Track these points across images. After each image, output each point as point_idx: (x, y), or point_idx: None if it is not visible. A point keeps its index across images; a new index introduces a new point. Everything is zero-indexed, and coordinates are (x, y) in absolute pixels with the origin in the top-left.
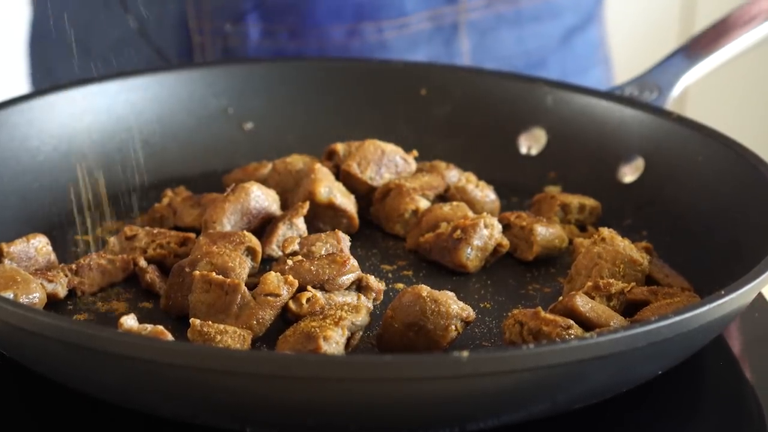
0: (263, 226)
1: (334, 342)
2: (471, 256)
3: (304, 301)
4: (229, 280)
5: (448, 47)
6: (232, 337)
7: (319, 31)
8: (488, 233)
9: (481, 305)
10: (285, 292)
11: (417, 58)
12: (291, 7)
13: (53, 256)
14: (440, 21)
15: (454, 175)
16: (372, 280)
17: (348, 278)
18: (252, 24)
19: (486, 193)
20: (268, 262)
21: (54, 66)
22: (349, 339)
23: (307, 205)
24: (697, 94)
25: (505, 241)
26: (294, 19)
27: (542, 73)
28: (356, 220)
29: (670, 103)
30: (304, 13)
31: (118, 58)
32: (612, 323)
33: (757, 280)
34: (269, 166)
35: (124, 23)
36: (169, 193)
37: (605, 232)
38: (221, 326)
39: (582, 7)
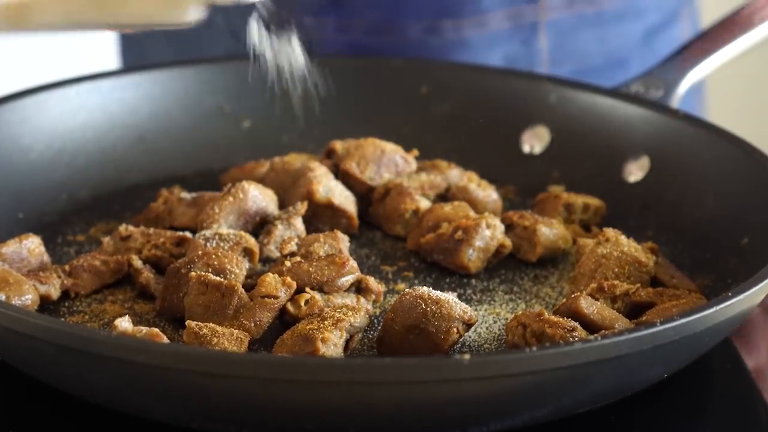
0: (261, 226)
1: (332, 344)
2: (473, 257)
3: (302, 303)
4: (225, 281)
5: (527, 47)
6: (229, 339)
7: (396, 27)
8: (490, 234)
9: (483, 307)
10: (283, 294)
11: (495, 58)
12: (369, 3)
13: (46, 257)
14: (519, 20)
15: (455, 174)
16: (372, 281)
17: (347, 280)
18: (329, 18)
19: (488, 193)
20: (265, 263)
21: (145, 47)
22: (348, 341)
23: (305, 205)
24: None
25: (508, 242)
26: (371, 14)
27: (623, 73)
28: (355, 220)
29: (676, 100)
30: (382, 8)
31: (199, 44)
32: (617, 325)
33: (765, 281)
34: (267, 164)
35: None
36: (164, 192)
37: (610, 232)
38: (218, 328)
39: (665, 6)
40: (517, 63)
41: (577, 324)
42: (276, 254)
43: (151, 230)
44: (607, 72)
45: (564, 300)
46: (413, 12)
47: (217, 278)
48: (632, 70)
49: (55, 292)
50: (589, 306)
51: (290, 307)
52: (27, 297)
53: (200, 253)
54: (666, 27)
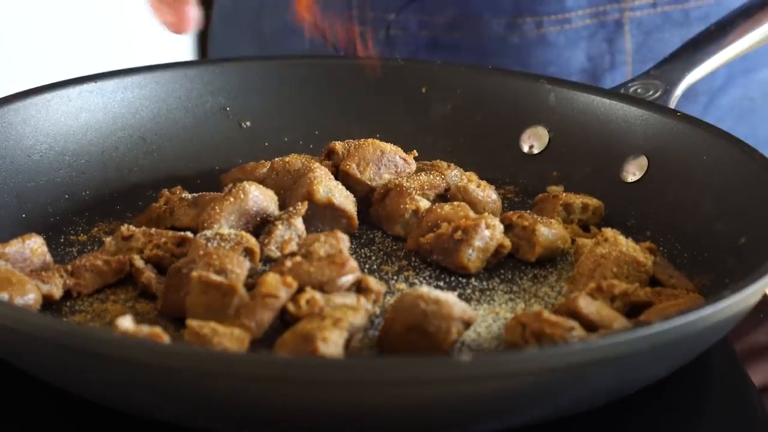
0: (261, 226)
1: (332, 344)
2: (472, 257)
3: (303, 302)
4: (226, 281)
5: (610, 45)
6: (230, 339)
7: (476, 24)
8: (490, 234)
9: (483, 307)
10: (284, 294)
11: (577, 56)
12: None
13: (49, 257)
14: (603, 18)
15: (455, 174)
16: (372, 281)
17: (347, 279)
18: (411, 15)
19: (487, 193)
20: (266, 263)
21: (232, 48)
22: (348, 341)
23: (305, 205)
24: None
25: (507, 242)
26: (452, 11)
27: (708, 75)
28: (355, 221)
29: (674, 101)
30: (462, 4)
31: (286, 43)
32: (615, 325)
33: (763, 281)
34: (267, 165)
35: (292, 8)
36: (165, 192)
37: (608, 232)
38: (218, 328)
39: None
40: (600, 62)
41: (576, 323)
42: (276, 254)
43: (153, 230)
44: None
45: (563, 300)
46: (493, 8)
47: (218, 278)
48: (717, 72)
49: (57, 292)
50: (588, 306)
51: (291, 307)
52: (30, 296)
53: (201, 253)
54: None
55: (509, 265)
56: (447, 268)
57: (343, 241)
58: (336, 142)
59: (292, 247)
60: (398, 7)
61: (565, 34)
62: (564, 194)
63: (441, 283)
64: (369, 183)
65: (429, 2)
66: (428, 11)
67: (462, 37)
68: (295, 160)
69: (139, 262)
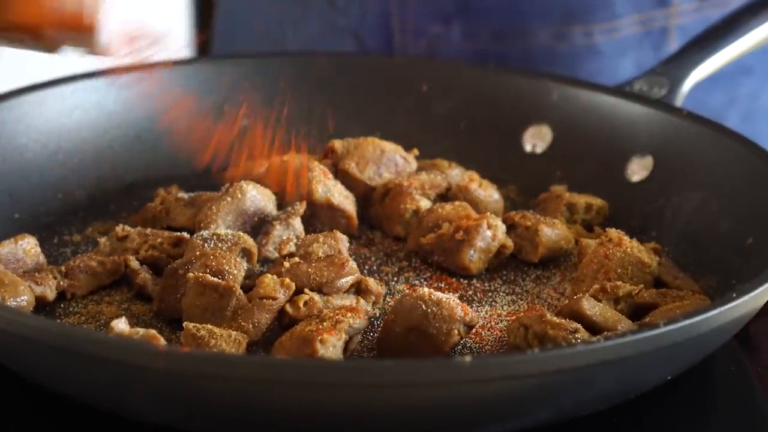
0: (259, 226)
1: (331, 346)
2: (474, 257)
3: (301, 304)
4: (223, 282)
5: (657, 52)
6: (227, 341)
7: (524, 33)
8: (492, 234)
9: (485, 308)
10: (282, 295)
11: (626, 65)
12: (496, 9)
13: (42, 258)
14: (650, 25)
15: (456, 173)
16: (372, 282)
17: (347, 281)
18: (455, 25)
19: (489, 193)
20: (264, 264)
21: (237, 41)
22: (347, 343)
23: (304, 205)
24: None
25: (509, 243)
26: (498, 21)
27: (749, 79)
28: (355, 221)
29: (680, 99)
30: (510, 14)
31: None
32: (619, 327)
33: None
34: (265, 164)
35: (327, 18)
36: (161, 192)
37: (613, 232)
38: (215, 330)
39: None
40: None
41: (579, 325)
42: (275, 255)
43: (149, 230)
44: (735, 78)
45: (566, 301)
46: (541, 18)
47: (215, 279)
48: (756, 76)
49: (51, 293)
50: (591, 307)
51: (289, 309)
52: (22, 298)
53: (198, 253)
54: None
55: (511, 265)
56: (448, 269)
57: (343, 241)
58: (335, 140)
59: (291, 247)
60: (444, 18)
61: (614, 42)
62: (567, 194)
63: (442, 285)
64: (368, 182)
65: (474, 13)
66: (473, 23)
67: (508, 49)
68: (294, 159)
69: (134, 263)
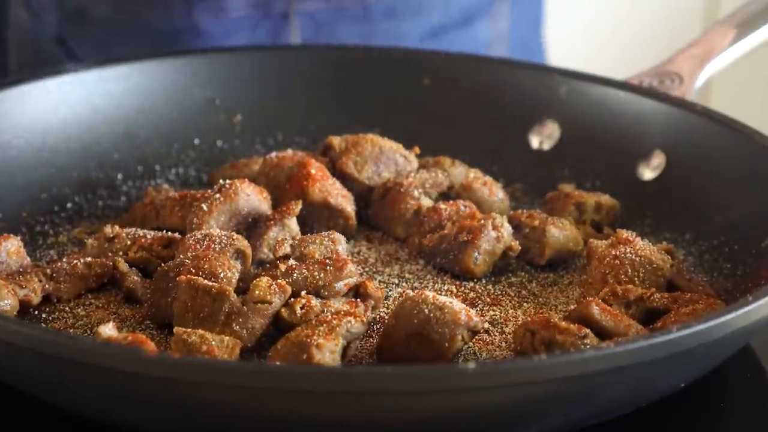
0: (253, 227)
1: (328, 351)
2: (478, 260)
3: (297, 308)
4: (216, 285)
5: (275, 38)
6: (219, 347)
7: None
8: (497, 235)
9: (489, 313)
10: (277, 299)
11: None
12: None
13: (27, 260)
14: (267, 10)
15: (459, 171)
16: (371, 285)
17: (345, 284)
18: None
19: (494, 192)
20: (258, 266)
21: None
22: (345, 348)
23: (299, 205)
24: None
25: (516, 244)
26: None
27: None
28: (354, 221)
29: (694, 95)
30: None
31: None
32: (630, 332)
33: None
34: (259, 161)
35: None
36: (151, 191)
37: (623, 233)
38: (207, 335)
39: (453, 6)
40: None
41: (588, 331)
42: (269, 257)
43: (138, 231)
44: None
45: (575, 305)
46: None
47: (208, 282)
48: None
49: (35, 297)
50: (601, 312)
51: (285, 313)
52: (5, 302)
53: (190, 255)
54: (459, 27)
55: (518, 268)
56: (451, 272)
57: (340, 242)
58: (333, 137)
59: (286, 249)
60: None
61: (223, 23)
62: (576, 192)
63: (444, 288)
64: (367, 182)
65: None
66: None
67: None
68: (289, 157)
69: (123, 265)
